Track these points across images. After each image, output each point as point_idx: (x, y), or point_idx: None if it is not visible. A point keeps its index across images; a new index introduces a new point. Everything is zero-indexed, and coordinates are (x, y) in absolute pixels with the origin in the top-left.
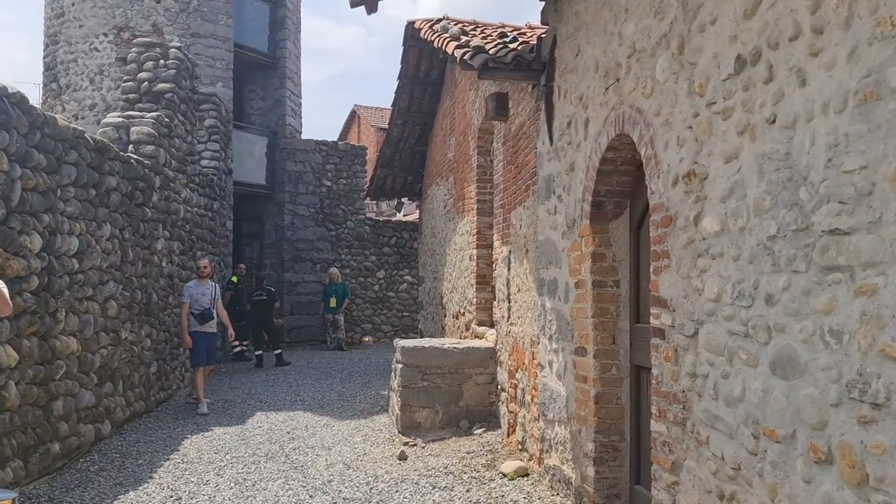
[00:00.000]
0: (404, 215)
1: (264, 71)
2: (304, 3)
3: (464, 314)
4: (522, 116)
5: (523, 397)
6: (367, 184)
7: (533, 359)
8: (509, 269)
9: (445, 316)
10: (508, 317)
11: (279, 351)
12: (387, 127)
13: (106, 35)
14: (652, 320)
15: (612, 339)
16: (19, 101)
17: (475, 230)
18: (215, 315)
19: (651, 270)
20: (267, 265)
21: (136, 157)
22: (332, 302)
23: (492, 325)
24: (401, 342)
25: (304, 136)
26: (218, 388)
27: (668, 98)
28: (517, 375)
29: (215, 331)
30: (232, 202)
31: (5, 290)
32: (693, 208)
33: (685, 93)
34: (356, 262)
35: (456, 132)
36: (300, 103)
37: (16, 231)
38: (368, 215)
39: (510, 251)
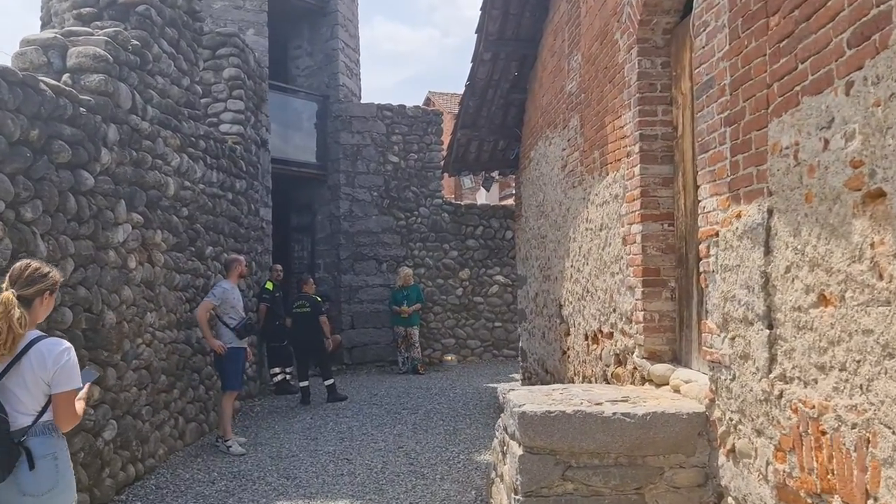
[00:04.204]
0: (497, 201)
1: (311, 19)
2: (379, 8)
3: (611, 336)
4: None
5: None
6: (444, 156)
7: None
8: (768, 253)
9: (569, 334)
10: (771, 360)
11: (331, 381)
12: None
13: None
14: None
15: None
16: None
17: (636, 190)
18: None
19: None
20: (320, 266)
21: (52, 82)
22: (403, 311)
23: (674, 360)
24: (514, 399)
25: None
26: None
27: None
28: None
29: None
30: (270, 184)
31: None
32: None
33: None
34: (432, 259)
35: (583, 44)
36: (357, 60)
37: None
38: (447, 198)
39: (769, 210)
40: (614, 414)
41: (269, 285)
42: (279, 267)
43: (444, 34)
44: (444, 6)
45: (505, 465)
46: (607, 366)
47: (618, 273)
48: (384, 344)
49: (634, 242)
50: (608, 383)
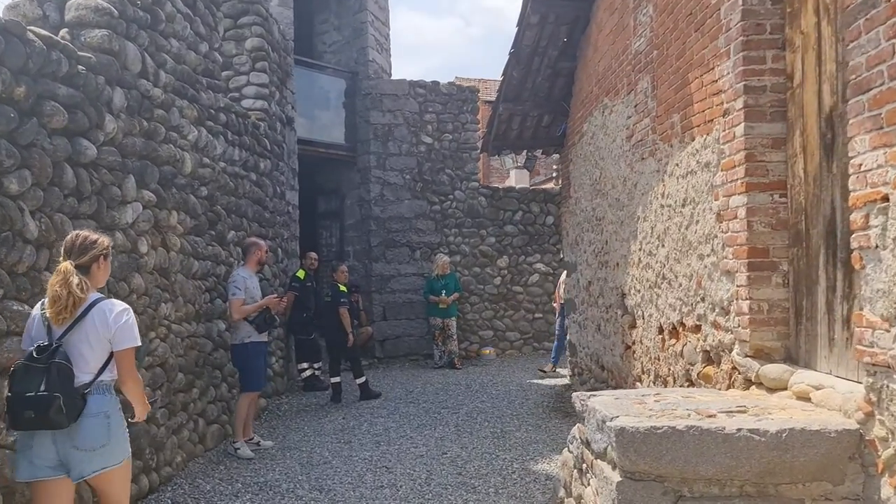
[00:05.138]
0: (532, 184)
1: None
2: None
3: (698, 329)
4: None
5: None
6: (483, 135)
7: None
8: None
9: (635, 327)
10: None
11: (362, 379)
12: (494, 99)
13: None
14: None
15: None
16: None
17: (738, 155)
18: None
19: None
20: (350, 253)
21: (42, 32)
22: (442, 301)
23: (787, 359)
24: (602, 409)
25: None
26: (262, 450)
27: None
28: None
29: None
30: (296, 166)
31: None
32: None
33: None
34: (469, 245)
35: None
36: (388, 34)
37: None
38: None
39: None
40: (739, 430)
41: (301, 273)
42: (314, 255)
43: (468, 24)
44: None
45: (585, 487)
46: (691, 364)
47: (709, 255)
48: (418, 336)
49: (735, 218)
50: (692, 385)
